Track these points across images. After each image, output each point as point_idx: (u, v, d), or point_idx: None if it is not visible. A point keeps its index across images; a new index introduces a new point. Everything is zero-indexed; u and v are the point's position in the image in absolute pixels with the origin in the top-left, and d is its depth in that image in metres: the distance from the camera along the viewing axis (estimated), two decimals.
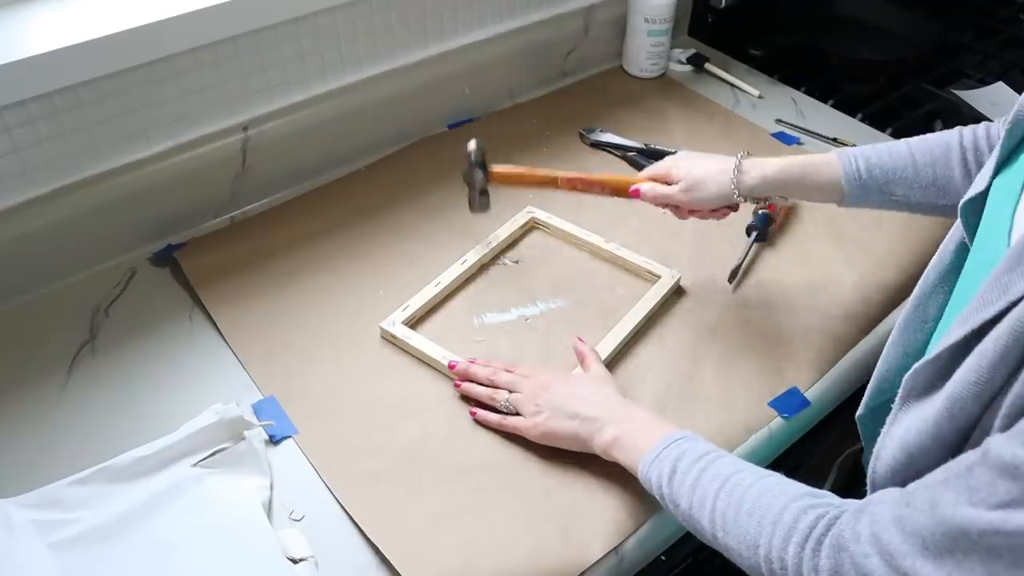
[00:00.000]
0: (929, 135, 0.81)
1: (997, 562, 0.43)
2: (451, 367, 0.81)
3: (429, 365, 0.84)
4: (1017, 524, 0.42)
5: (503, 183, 0.92)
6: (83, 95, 0.87)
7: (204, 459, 0.73)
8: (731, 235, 1.01)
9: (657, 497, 0.65)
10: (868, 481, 0.59)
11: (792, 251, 0.99)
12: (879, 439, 0.58)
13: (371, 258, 0.96)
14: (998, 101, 1.28)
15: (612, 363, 0.84)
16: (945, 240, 0.67)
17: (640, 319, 0.87)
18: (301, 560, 0.66)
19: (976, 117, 1.24)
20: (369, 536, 0.69)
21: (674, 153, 1.10)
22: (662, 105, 1.26)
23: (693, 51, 1.36)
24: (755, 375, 0.84)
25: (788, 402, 0.82)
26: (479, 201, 0.93)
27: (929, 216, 0.82)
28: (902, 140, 0.82)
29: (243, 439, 0.74)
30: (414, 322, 0.88)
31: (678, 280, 0.92)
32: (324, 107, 1.06)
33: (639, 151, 1.13)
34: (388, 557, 0.67)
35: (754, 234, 0.98)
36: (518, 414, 0.77)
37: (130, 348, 0.86)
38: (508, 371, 0.80)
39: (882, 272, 0.95)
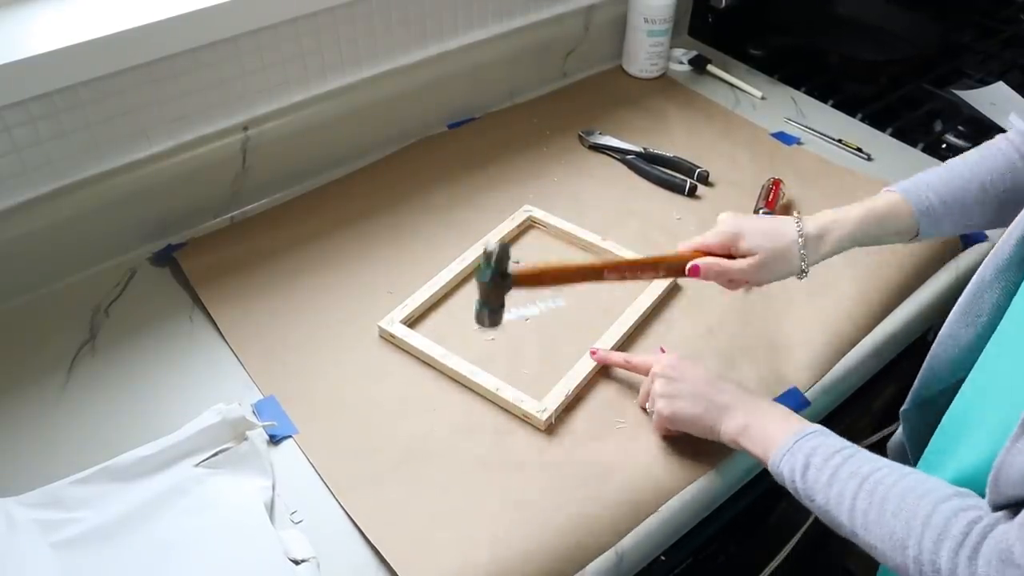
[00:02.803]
0: (975, 152, 0.78)
1: None
2: (592, 354, 0.83)
3: (429, 365, 0.84)
4: None
5: (531, 286, 0.75)
6: (83, 95, 0.87)
7: (206, 459, 0.73)
8: None
9: (790, 490, 0.65)
10: (990, 492, 0.56)
11: None
12: (1003, 452, 0.54)
13: (371, 258, 0.96)
14: (998, 101, 1.28)
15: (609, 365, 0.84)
16: (1004, 235, 0.66)
17: (638, 317, 0.88)
18: (303, 561, 0.66)
19: (976, 117, 1.24)
20: (368, 536, 0.69)
21: (673, 158, 1.10)
22: (662, 105, 1.26)
23: (695, 53, 1.36)
24: (755, 375, 0.84)
25: (788, 402, 0.82)
26: (491, 318, 0.73)
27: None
28: (954, 161, 0.78)
29: (245, 439, 0.74)
30: (413, 321, 0.88)
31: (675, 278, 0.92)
32: (324, 107, 1.06)
33: (638, 154, 1.13)
34: (386, 557, 0.67)
35: None
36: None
37: (130, 348, 0.86)
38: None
39: (882, 272, 0.95)
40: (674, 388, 0.74)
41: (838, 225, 0.76)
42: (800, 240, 0.75)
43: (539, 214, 1.01)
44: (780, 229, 0.76)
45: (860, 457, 0.62)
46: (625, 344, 0.86)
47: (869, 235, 0.76)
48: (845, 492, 0.60)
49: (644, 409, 0.79)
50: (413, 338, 0.85)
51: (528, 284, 0.73)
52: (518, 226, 1.00)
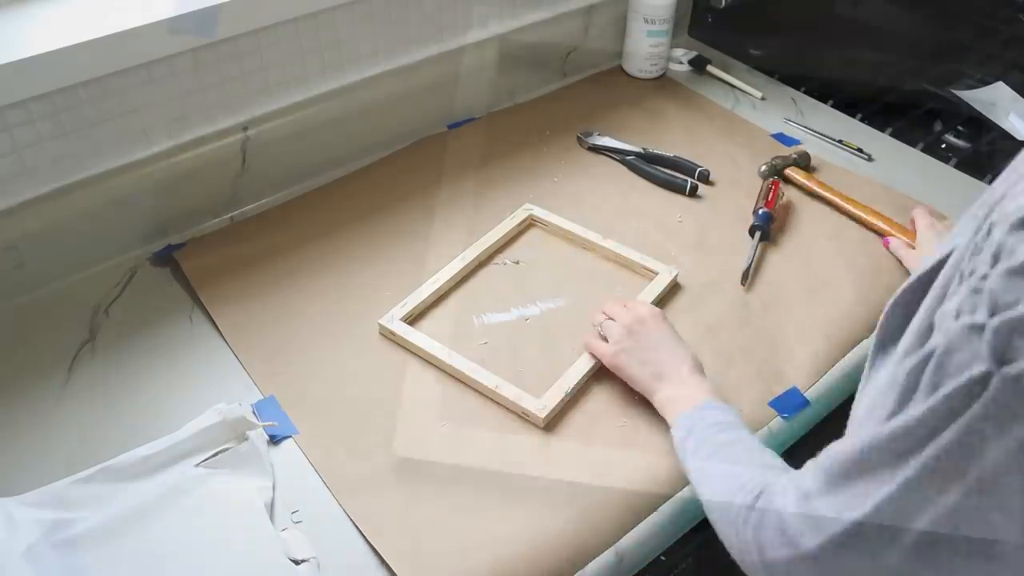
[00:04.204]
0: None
1: (882, 473, 0.46)
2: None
3: (430, 364, 0.84)
4: (892, 428, 0.45)
5: None
6: (83, 95, 0.87)
7: (207, 459, 0.73)
8: (730, 235, 1.01)
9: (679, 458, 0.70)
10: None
11: (792, 250, 0.99)
12: (857, 395, 0.58)
13: (371, 258, 0.96)
14: (998, 101, 1.27)
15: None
16: None
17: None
18: (303, 561, 0.66)
19: (976, 117, 1.24)
20: (367, 536, 0.69)
21: (673, 158, 1.11)
22: (662, 105, 1.26)
23: (695, 53, 1.36)
24: (755, 375, 0.84)
25: (788, 402, 0.82)
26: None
27: None
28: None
29: (245, 439, 0.74)
30: (413, 319, 0.88)
31: (675, 276, 0.93)
32: (324, 107, 1.06)
33: (637, 155, 1.13)
34: (386, 558, 0.67)
35: (758, 234, 0.98)
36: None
37: (130, 348, 0.86)
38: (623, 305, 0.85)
39: (882, 272, 0.96)
40: (630, 343, 0.79)
41: None
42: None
43: (540, 213, 1.01)
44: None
45: (731, 433, 0.68)
46: None
47: None
48: (699, 454, 0.67)
49: (594, 324, 0.85)
50: (413, 336, 0.85)
51: None
52: (519, 223, 1.00)
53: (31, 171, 0.88)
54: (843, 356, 0.87)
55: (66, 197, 0.91)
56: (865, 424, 0.48)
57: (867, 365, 0.56)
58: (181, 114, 0.96)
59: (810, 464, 0.54)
